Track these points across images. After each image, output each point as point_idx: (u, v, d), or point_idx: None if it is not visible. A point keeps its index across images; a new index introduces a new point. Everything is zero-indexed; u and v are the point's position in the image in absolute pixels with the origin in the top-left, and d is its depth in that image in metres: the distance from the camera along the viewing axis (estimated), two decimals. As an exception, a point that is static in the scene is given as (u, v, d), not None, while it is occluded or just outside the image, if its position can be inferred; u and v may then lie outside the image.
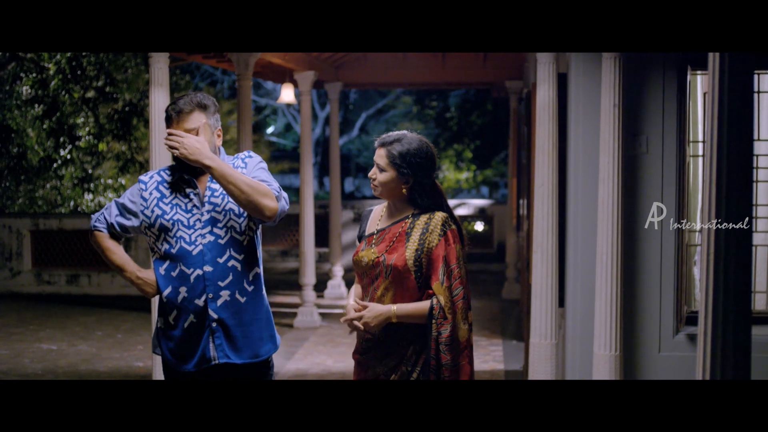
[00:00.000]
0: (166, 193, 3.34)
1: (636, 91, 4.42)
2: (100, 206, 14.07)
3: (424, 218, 3.15)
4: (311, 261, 8.97)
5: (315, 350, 7.83)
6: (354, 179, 29.80)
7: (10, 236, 11.38)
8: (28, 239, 11.39)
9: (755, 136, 4.54)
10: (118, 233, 3.44)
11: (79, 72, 12.52)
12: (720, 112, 2.29)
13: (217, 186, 3.30)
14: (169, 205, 3.31)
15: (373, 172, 3.20)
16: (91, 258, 11.37)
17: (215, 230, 3.27)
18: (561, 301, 4.65)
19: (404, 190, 3.16)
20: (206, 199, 3.30)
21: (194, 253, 3.25)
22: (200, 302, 3.25)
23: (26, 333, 8.76)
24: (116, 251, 3.42)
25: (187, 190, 3.32)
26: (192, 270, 3.25)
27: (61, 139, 13.05)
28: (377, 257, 3.16)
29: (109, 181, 14.33)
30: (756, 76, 4.54)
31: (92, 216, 3.47)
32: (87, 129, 13.53)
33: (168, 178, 3.37)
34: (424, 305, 3.08)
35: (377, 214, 3.32)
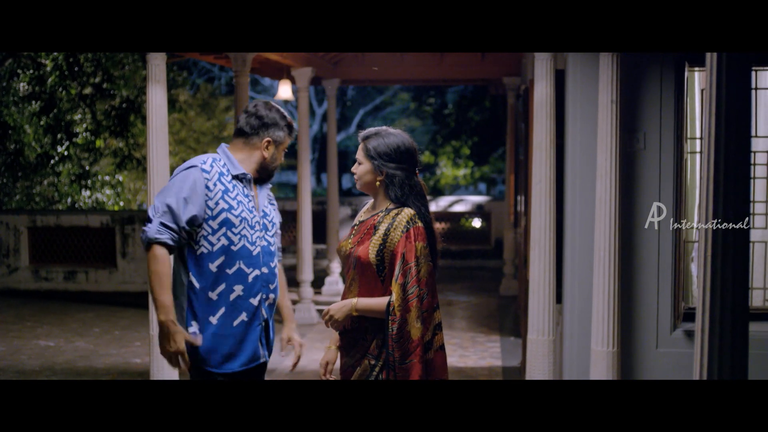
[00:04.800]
0: (229, 187, 3.28)
1: (633, 88, 4.42)
2: (98, 203, 14.05)
3: (393, 213, 3.18)
4: (308, 257, 8.97)
5: (313, 347, 7.83)
6: (351, 176, 29.77)
7: (7, 233, 11.37)
8: (26, 236, 11.38)
9: (752, 133, 4.54)
10: (182, 240, 3.21)
11: (76, 68, 12.50)
12: (718, 108, 2.29)
13: (262, 197, 3.43)
14: (235, 201, 3.27)
15: (354, 167, 3.30)
16: (88, 254, 11.36)
17: (266, 236, 3.38)
18: (558, 298, 4.65)
19: (378, 183, 3.22)
20: (260, 205, 3.40)
21: (254, 253, 3.30)
22: (254, 302, 3.29)
23: (24, 330, 8.75)
24: (170, 284, 3.18)
25: (246, 191, 3.35)
26: (251, 270, 3.29)
27: (59, 136, 13.04)
28: (351, 248, 3.23)
29: (107, 178, 14.31)
30: (753, 73, 4.54)
31: (147, 228, 3.13)
32: (84, 125, 13.52)
33: (226, 172, 3.30)
34: (383, 301, 3.12)
35: (367, 207, 3.40)
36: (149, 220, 3.15)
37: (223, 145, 3.41)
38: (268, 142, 3.37)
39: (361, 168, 3.25)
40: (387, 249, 3.12)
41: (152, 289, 3.13)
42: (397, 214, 3.16)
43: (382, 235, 3.15)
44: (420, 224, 3.13)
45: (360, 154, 3.25)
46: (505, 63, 9.92)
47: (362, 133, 3.28)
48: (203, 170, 3.23)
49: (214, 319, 3.24)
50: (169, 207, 3.14)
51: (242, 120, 3.37)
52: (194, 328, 3.24)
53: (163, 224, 3.13)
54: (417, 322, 3.06)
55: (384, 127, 3.27)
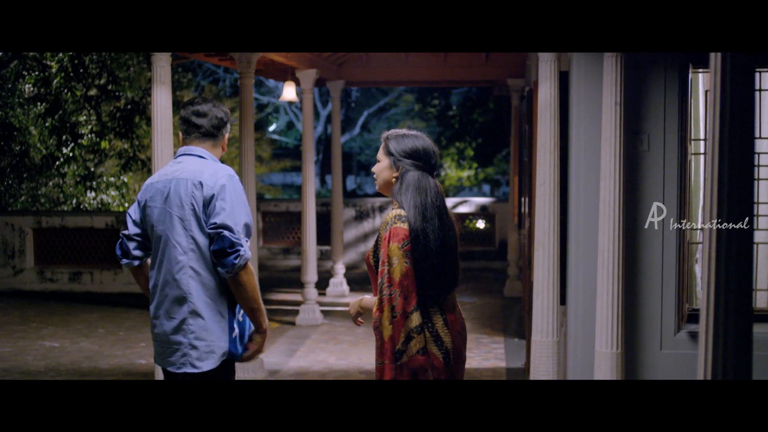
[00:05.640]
0: None
1: (637, 89, 4.42)
2: (102, 204, 14.07)
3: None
4: (313, 259, 8.98)
5: (317, 348, 7.84)
6: (356, 177, 29.84)
7: (12, 234, 11.40)
8: (31, 237, 11.41)
9: (756, 134, 4.54)
10: None
11: (81, 70, 12.53)
12: (722, 109, 2.30)
13: None
14: None
15: (375, 166, 3.34)
16: (93, 255, 11.39)
17: None
18: (562, 299, 4.65)
19: (394, 180, 3.24)
20: None
21: None
22: None
23: (29, 330, 8.78)
24: None
25: None
26: None
27: (64, 137, 13.07)
28: None
29: (111, 179, 14.34)
30: (758, 74, 4.54)
31: (243, 252, 3.24)
32: (89, 127, 13.54)
33: None
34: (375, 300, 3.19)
35: None
36: (237, 244, 3.23)
37: (199, 149, 3.48)
38: (228, 136, 3.60)
39: (380, 165, 3.29)
40: (380, 249, 3.18)
41: (256, 301, 3.34)
42: (389, 214, 3.22)
43: (378, 235, 3.23)
44: (400, 225, 3.10)
45: (380, 153, 3.30)
46: (509, 64, 9.93)
47: (384, 133, 3.34)
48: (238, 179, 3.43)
49: (240, 316, 3.44)
50: (247, 225, 3.31)
51: (205, 123, 3.49)
52: (237, 330, 3.41)
53: (247, 241, 3.30)
54: (387, 323, 3.05)
55: (406, 130, 3.34)
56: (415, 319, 3.06)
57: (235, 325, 3.41)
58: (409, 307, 3.05)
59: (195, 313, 3.31)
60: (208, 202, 3.27)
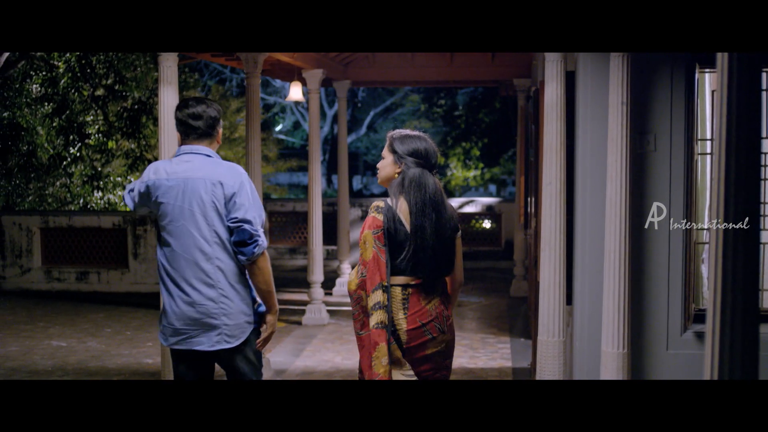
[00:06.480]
0: None
1: (644, 89, 4.42)
2: (110, 204, 14.11)
3: None
4: (319, 258, 8.99)
5: (323, 347, 7.85)
6: (362, 177, 29.86)
7: (20, 233, 11.44)
8: (38, 236, 11.44)
9: (763, 134, 4.53)
10: None
11: (88, 70, 12.56)
12: (728, 110, 2.30)
13: None
14: None
15: (379, 162, 3.59)
16: (100, 255, 11.42)
17: None
18: (569, 299, 4.65)
19: (395, 176, 3.49)
20: None
21: None
22: None
23: (36, 330, 8.81)
24: None
25: None
26: None
27: (71, 137, 13.10)
28: None
29: (119, 179, 14.37)
30: (765, 74, 4.53)
31: (261, 242, 3.63)
32: (96, 127, 13.58)
33: None
34: None
35: None
36: (255, 235, 3.63)
37: (204, 148, 3.77)
38: (221, 130, 3.90)
39: (384, 161, 3.54)
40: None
41: (270, 285, 3.73)
42: None
43: None
44: (376, 215, 3.41)
45: (385, 150, 3.55)
46: (515, 64, 9.92)
47: (390, 132, 3.59)
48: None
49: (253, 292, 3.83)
50: (261, 217, 3.69)
51: (201, 124, 3.77)
52: (262, 306, 3.81)
53: (264, 232, 3.70)
54: (355, 286, 3.46)
55: (410, 130, 3.59)
56: (375, 297, 3.36)
57: (256, 296, 3.81)
58: (372, 285, 3.36)
59: (224, 296, 3.67)
60: (229, 199, 3.62)
